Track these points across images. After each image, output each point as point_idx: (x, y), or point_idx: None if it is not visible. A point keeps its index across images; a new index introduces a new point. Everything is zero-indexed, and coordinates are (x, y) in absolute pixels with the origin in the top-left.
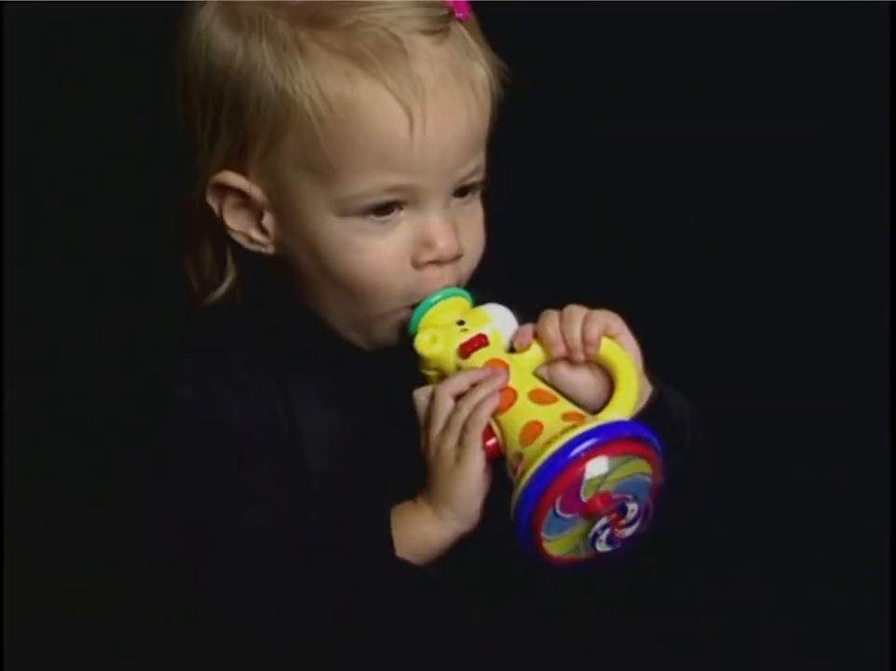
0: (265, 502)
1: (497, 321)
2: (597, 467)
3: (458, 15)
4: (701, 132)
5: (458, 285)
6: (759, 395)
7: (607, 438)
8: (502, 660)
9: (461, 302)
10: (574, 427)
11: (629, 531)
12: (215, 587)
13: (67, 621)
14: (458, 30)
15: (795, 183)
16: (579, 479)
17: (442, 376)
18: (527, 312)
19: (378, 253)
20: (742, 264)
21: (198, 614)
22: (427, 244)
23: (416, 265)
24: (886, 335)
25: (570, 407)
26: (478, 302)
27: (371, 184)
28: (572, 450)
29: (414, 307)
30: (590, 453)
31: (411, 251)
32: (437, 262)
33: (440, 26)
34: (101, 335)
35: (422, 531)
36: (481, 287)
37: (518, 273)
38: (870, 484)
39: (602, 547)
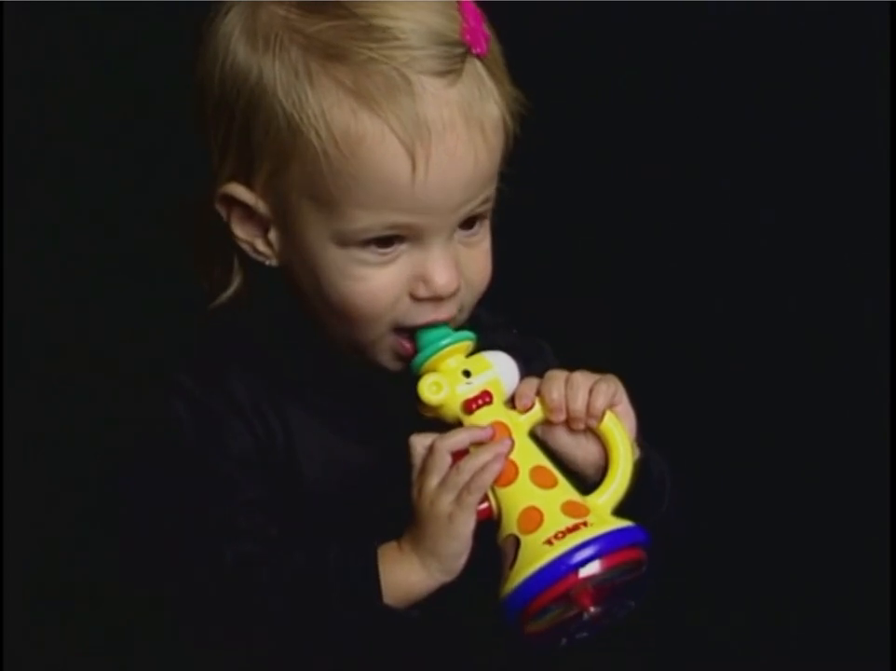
0: (248, 534)
1: (498, 367)
2: (590, 569)
3: (476, 51)
4: (700, 136)
5: (460, 312)
6: (759, 399)
7: (609, 549)
8: None
9: (466, 345)
10: (576, 529)
11: (607, 621)
12: (193, 615)
13: (64, 621)
14: (474, 67)
15: (795, 187)
16: (575, 584)
17: (440, 423)
18: (532, 329)
19: (375, 283)
20: (743, 267)
21: (182, 636)
22: (426, 280)
23: (414, 298)
24: (886, 337)
25: (569, 494)
26: (480, 339)
27: (371, 221)
28: (573, 558)
29: (403, 330)
30: (590, 560)
31: (408, 284)
32: (435, 298)
33: (453, 66)
34: (104, 341)
35: (408, 581)
36: (493, 308)
37: (523, 289)
38: (870, 488)
39: (580, 635)
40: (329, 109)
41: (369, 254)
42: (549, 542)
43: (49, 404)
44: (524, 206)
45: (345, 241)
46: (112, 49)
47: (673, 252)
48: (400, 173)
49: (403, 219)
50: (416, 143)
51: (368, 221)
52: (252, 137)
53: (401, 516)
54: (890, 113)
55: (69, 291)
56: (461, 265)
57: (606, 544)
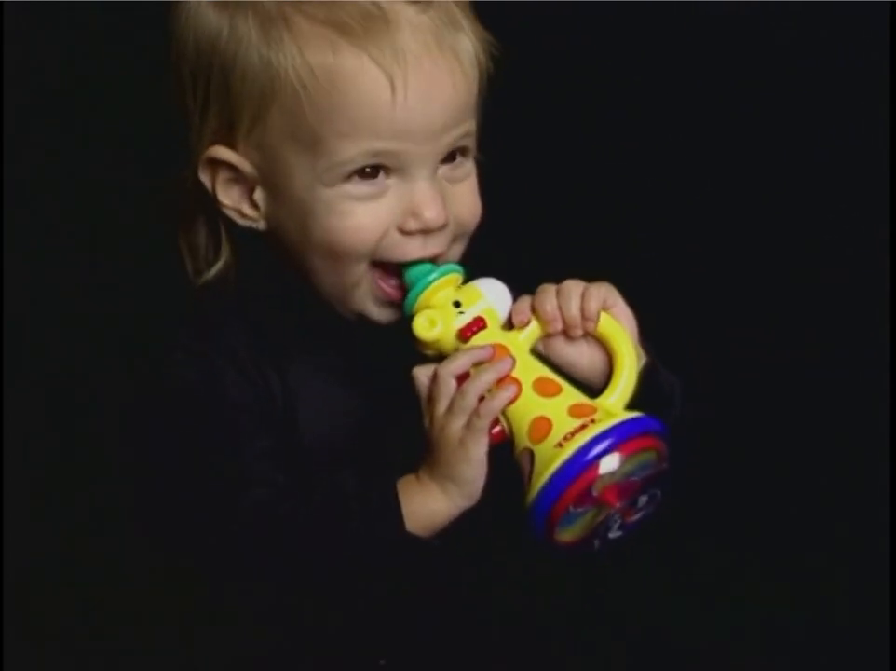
0: (260, 482)
1: (490, 295)
2: (609, 464)
3: None
4: (700, 132)
5: (452, 248)
6: (758, 384)
7: (620, 439)
8: (507, 628)
9: (454, 278)
10: (584, 428)
11: (638, 516)
12: (214, 566)
13: (68, 615)
14: (443, 1)
15: (795, 186)
16: (593, 480)
17: (441, 357)
18: (523, 290)
19: (362, 217)
20: (741, 254)
21: (201, 592)
22: (415, 213)
23: (403, 232)
24: (886, 332)
25: (575, 398)
26: (469, 276)
27: (355, 150)
28: (585, 455)
29: (381, 266)
30: (604, 454)
31: (397, 219)
32: (423, 231)
33: None
34: (102, 308)
35: (430, 509)
36: (481, 272)
37: (514, 255)
38: (869, 482)
39: (613, 534)
40: (305, 44)
41: (354, 187)
42: (559, 445)
43: (52, 376)
44: (512, 176)
45: (331, 179)
46: (112, 49)
47: (663, 241)
48: (381, 99)
49: (386, 145)
50: (395, 68)
51: (351, 151)
52: (231, 90)
53: (408, 462)
54: (891, 112)
55: (68, 286)
56: (448, 201)
57: (617, 435)
